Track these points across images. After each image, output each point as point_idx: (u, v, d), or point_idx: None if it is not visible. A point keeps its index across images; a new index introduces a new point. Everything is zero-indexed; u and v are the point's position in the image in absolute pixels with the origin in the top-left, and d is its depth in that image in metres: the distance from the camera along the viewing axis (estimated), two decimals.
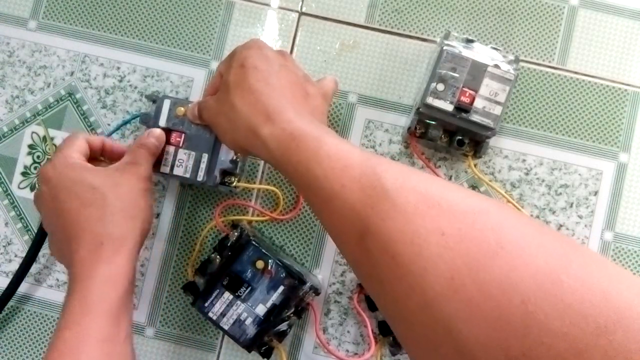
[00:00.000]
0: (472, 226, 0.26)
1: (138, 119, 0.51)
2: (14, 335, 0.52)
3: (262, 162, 0.52)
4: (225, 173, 0.48)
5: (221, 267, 0.46)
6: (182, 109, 0.47)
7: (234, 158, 0.48)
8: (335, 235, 0.32)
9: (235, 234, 0.47)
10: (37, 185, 0.42)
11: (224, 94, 0.39)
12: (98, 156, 0.46)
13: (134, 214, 0.41)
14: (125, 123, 0.52)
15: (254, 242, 0.46)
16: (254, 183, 0.52)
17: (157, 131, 0.46)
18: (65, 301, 0.38)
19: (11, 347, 0.52)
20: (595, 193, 0.52)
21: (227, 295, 0.46)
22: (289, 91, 0.39)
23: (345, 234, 0.31)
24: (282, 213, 0.52)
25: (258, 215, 0.52)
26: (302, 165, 0.33)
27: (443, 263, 0.25)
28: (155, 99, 0.48)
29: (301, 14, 0.53)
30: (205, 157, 0.47)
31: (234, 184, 0.48)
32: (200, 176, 0.47)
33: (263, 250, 0.46)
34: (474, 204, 0.28)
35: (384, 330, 0.49)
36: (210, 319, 0.46)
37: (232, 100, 0.38)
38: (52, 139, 0.53)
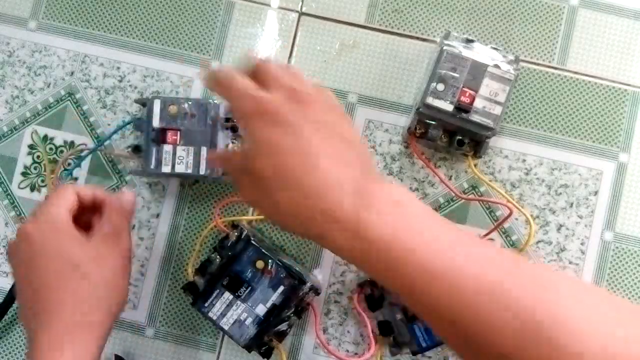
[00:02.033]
0: None
1: (131, 125, 0.51)
2: (19, 337, 0.52)
3: None
4: None
5: (221, 267, 0.46)
6: (174, 107, 0.47)
7: (231, 148, 0.48)
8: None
9: (235, 234, 0.47)
10: (16, 237, 0.39)
11: (256, 182, 0.32)
12: (88, 208, 0.42)
13: (111, 296, 0.39)
14: (117, 130, 0.51)
15: (254, 242, 0.46)
16: None
17: (128, 194, 0.43)
18: None
19: (18, 348, 0.52)
20: (595, 193, 0.52)
21: (227, 295, 0.46)
22: (331, 149, 0.32)
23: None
24: None
25: (259, 214, 0.52)
26: (402, 281, 0.29)
27: None
28: (145, 102, 0.48)
29: (301, 14, 0.53)
30: (204, 150, 0.47)
31: None
32: (202, 170, 0.47)
33: (263, 250, 0.46)
34: None
35: (384, 330, 0.49)
36: (210, 319, 0.46)
37: (272, 195, 0.31)
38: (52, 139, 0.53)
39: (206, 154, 0.47)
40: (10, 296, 0.49)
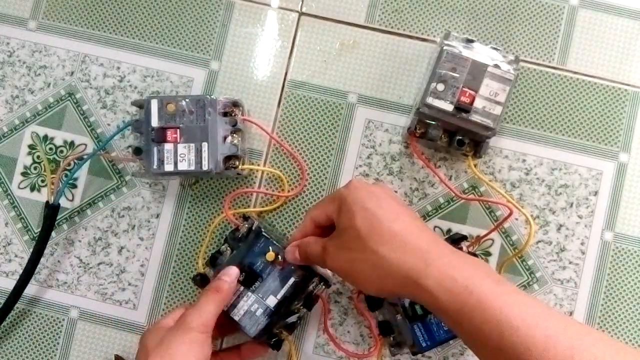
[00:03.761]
0: None
1: (130, 127, 0.50)
2: (18, 337, 0.52)
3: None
4: (228, 158, 0.48)
5: (231, 258, 0.46)
6: (172, 105, 0.47)
7: (231, 141, 0.48)
8: None
9: (246, 225, 0.47)
10: None
11: (354, 241, 0.38)
12: None
13: None
14: (116, 134, 0.51)
15: (265, 234, 0.46)
16: (258, 165, 0.52)
17: (231, 270, 0.45)
18: None
19: (17, 349, 0.52)
20: (595, 193, 0.52)
21: (238, 286, 0.45)
22: (419, 224, 0.39)
23: None
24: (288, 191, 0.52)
25: (267, 204, 0.52)
26: (490, 327, 0.32)
27: None
28: (142, 104, 0.48)
29: (301, 14, 0.53)
30: (205, 146, 0.47)
31: (240, 166, 0.48)
32: (205, 165, 0.47)
33: (274, 242, 0.46)
34: None
35: (384, 330, 0.49)
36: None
37: (373, 247, 0.37)
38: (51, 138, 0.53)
39: (208, 150, 0.47)
40: (11, 298, 0.49)
